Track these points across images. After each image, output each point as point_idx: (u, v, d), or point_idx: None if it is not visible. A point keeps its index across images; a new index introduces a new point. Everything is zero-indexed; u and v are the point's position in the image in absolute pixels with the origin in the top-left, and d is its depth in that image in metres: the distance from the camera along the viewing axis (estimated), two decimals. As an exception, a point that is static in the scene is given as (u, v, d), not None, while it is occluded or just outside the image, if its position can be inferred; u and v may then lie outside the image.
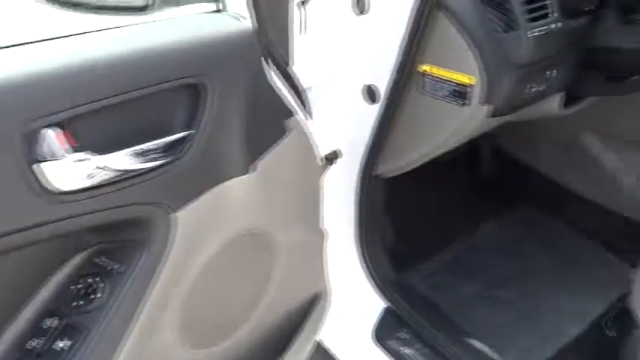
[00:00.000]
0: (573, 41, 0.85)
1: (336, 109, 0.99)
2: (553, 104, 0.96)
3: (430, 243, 1.38)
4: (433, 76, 0.83)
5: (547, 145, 1.45)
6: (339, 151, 1.04)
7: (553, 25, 0.78)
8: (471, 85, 0.79)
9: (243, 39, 0.60)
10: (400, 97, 0.88)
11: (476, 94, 0.80)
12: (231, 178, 0.60)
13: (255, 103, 0.61)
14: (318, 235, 0.89)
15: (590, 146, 1.35)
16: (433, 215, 1.45)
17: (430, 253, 1.35)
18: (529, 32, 0.76)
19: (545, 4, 0.78)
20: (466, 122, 0.84)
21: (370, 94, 0.92)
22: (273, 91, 0.66)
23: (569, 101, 0.98)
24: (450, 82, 0.81)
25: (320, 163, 0.85)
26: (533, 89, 0.83)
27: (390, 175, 1.06)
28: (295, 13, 0.84)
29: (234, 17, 0.62)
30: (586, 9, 0.83)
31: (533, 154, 1.49)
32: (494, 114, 0.82)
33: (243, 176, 0.61)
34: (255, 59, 0.61)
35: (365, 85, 0.91)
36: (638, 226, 1.28)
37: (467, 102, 0.81)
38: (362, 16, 0.83)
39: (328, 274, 0.95)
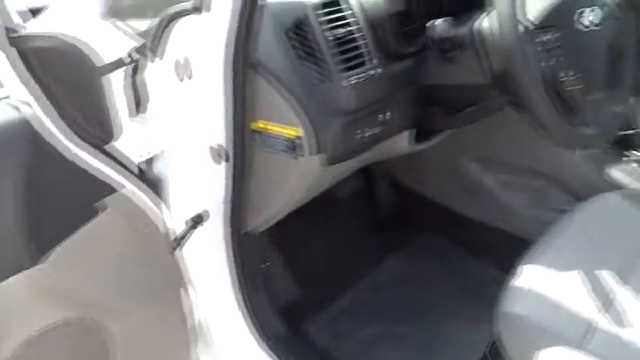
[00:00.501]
0: (403, 82, 0.88)
1: (192, 171, 0.97)
2: (402, 142, 0.98)
3: (330, 288, 1.36)
4: (268, 132, 0.83)
5: (435, 173, 1.48)
6: (206, 212, 1.01)
7: (372, 72, 0.81)
8: (299, 137, 0.80)
9: (18, 129, 0.57)
10: (245, 155, 0.87)
11: (306, 146, 0.80)
12: (9, 276, 0.56)
13: (39, 193, 0.58)
14: (175, 311, 0.85)
15: (473, 171, 1.39)
16: (332, 258, 1.44)
17: (330, 299, 1.33)
18: (344, 82, 0.78)
19: (361, 53, 0.80)
20: (306, 174, 0.85)
21: (217, 154, 0.91)
22: (77, 175, 0.64)
23: (422, 136, 1.00)
24: (282, 136, 0.82)
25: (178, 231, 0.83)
26: (367, 134, 0.85)
27: (263, 229, 1.05)
28: (117, 90, 0.83)
29: (13, 106, 0.60)
30: (408, 52, 0.86)
31: (424, 182, 1.52)
32: (330, 162, 0.82)
33: (30, 270, 0.57)
34: (33, 149, 0.59)
35: (211, 146, 0.90)
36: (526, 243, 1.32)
37: (300, 154, 0.81)
38: (187, 81, 0.82)
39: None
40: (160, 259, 0.92)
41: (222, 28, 0.71)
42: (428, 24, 0.76)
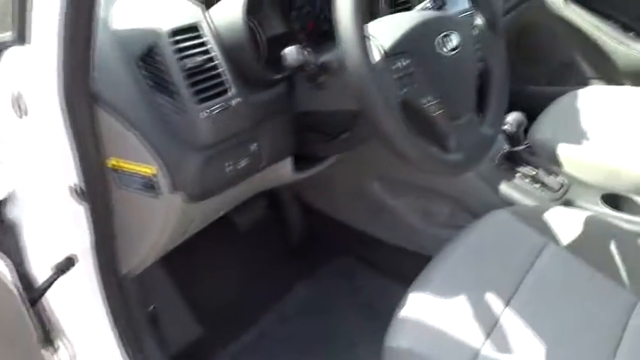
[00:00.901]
0: (274, 110, 0.83)
1: (53, 213, 0.88)
2: (285, 170, 0.93)
3: (234, 324, 1.28)
4: (123, 170, 0.76)
5: (341, 193, 1.45)
6: (74, 256, 0.92)
7: (232, 102, 0.75)
8: (154, 175, 0.73)
9: None
10: (104, 194, 0.79)
11: (163, 184, 0.73)
12: None
13: None
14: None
15: (376, 191, 1.37)
16: (236, 291, 1.37)
17: (234, 336, 1.26)
18: (201, 114, 0.72)
19: (219, 82, 0.75)
20: (170, 212, 0.78)
21: (77, 193, 0.82)
22: None
23: (304, 164, 0.96)
24: (137, 174, 0.75)
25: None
26: (238, 166, 0.79)
27: (140, 271, 0.96)
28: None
29: None
30: (277, 78, 0.82)
31: (332, 203, 1.49)
32: (193, 200, 0.76)
33: None
34: None
35: (69, 186, 0.81)
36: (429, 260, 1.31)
37: (159, 192, 0.74)
38: (25, 118, 0.73)
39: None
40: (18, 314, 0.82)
41: (50, 59, 0.63)
42: (282, 52, 0.72)
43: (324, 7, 1.05)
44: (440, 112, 0.74)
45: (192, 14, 0.77)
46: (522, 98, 1.93)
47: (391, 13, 1.05)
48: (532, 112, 1.46)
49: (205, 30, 0.76)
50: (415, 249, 1.33)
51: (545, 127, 1.34)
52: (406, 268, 1.40)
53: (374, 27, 0.73)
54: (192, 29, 0.76)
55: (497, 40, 0.87)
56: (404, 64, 0.70)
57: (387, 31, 0.71)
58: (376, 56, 0.68)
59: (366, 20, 0.66)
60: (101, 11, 0.77)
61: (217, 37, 0.76)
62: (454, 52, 0.76)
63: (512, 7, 1.59)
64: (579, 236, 0.98)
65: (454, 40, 0.76)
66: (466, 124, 0.78)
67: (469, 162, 0.77)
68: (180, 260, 1.31)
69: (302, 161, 0.96)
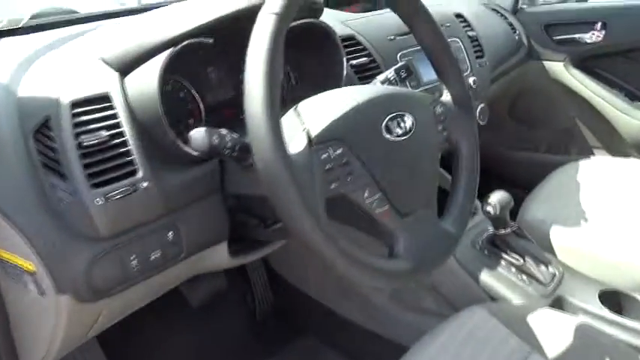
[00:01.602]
0: (200, 192, 0.71)
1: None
2: (217, 256, 0.80)
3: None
4: (6, 261, 0.64)
5: (310, 267, 1.31)
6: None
7: (142, 185, 0.63)
8: (34, 273, 0.60)
9: None
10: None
11: (46, 284, 0.61)
12: None
13: None
14: None
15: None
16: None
17: None
18: (95, 200, 0.60)
19: (127, 162, 0.63)
20: (60, 313, 0.64)
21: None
22: None
23: (242, 248, 0.83)
24: (20, 267, 0.62)
25: None
26: (148, 259, 0.66)
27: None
28: None
29: None
30: (195, 158, 0.70)
31: (301, 276, 1.35)
32: (86, 301, 0.63)
33: None
34: None
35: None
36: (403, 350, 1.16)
37: (42, 292, 0.62)
38: None
39: None
40: None
41: None
42: (189, 134, 0.60)
43: (287, 71, 0.95)
44: (384, 208, 0.61)
45: (104, 82, 0.67)
46: (517, 166, 1.82)
47: (360, 82, 0.96)
48: (528, 183, 1.33)
49: (116, 100, 0.65)
50: (384, 334, 1.18)
51: (537, 206, 1.20)
52: (373, 353, 1.25)
53: (306, 107, 0.62)
54: (101, 100, 0.65)
55: (467, 118, 0.75)
56: (336, 153, 0.57)
57: (318, 113, 0.60)
58: (299, 145, 0.56)
59: (280, 108, 0.54)
60: (7, 75, 0.68)
61: (129, 108, 0.66)
62: (405, 136, 0.64)
63: (507, 70, 1.48)
64: (568, 349, 0.82)
65: (407, 122, 0.64)
66: (419, 222, 0.65)
67: (419, 269, 0.63)
68: (122, 342, 1.17)
69: (242, 244, 0.83)
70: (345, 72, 0.89)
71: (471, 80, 1.13)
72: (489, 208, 1.04)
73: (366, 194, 0.60)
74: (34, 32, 0.87)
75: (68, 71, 0.69)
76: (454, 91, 0.75)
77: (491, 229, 1.10)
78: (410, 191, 0.65)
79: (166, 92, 0.80)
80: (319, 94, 0.65)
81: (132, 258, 0.65)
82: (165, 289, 0.84)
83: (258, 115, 0.51)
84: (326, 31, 0.87)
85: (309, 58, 0.91)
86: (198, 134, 0.58)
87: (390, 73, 0.83)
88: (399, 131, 0.63)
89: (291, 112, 0.63)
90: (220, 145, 0.59)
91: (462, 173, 0.75)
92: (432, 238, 0.67)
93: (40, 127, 0.62)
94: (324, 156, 0.56)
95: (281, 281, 1.39)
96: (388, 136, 0.62)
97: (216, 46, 0.73)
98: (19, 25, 0.88)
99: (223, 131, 0.60)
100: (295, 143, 0.56)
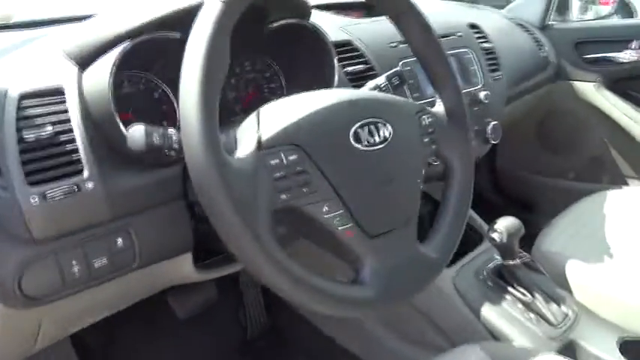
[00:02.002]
0: (158, 197, 0.66)
1: None
2: (181, 268, 0.74)
3: None
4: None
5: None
6: None
7: (86, 186, 0.58)
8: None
9: None
10: None
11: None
12: None
13: None
14: None
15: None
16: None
17: None
18: (31, 198, 0.55)
19: (73, 160, 0.58)
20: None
21: None
22: None
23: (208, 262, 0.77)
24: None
25: None
26: (92, 266, 0.61)
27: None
28: None
29: None
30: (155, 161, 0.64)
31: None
32: (17, 307, 0.58)
33: None
34: None
35: None
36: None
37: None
38: None
39: None
40: None
41: None
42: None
43: (273, 76, 0.90)
44: (347, 226, 0.54)
45: (60, 76, 0.63)
46: (541, 192, 1.69)
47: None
48: (550, 211, 1.22)
49: (70, 95, 0.61)
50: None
51: (555, 237, 1.08)
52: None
53: (266, 110, 0.55)
54: (53, 93, 0.61)
55: (460, 132, 0.67)
56: (289, 159, 0.50)
57: (276, 115, 0.53)
58: (244, 150, 0.49)
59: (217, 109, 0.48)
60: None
61: (83, 104, 0.61)
62: (379, 146, 0.56)
63: (531, 88, 1.38)
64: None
65: (381, 130, 0.57)
66: (392, 245, 0.57)
67: (386, 299, 0.55)
68: (103, 352, 1.13)
69: (209, 257, 0.76)
70: (336, 77, 0.82)
71: (482, 95, 1.04)
72: (495, 235, 0.94)
73: (325, 209, 0.52)
74: (21, 29, 0.85)
75: (27, 64, 0.65)
76: (447, 103, 0.67)
77: (498, 259, 1.00)
78: (382, 208, 0.57)
79: (139, 92, 0.75)
80: (286, 98, 0.58)
81: (73, 264, 0.60)
82: (128, 302, 0.79)
83: (190, 114, 0.44)
84: (316, 34, 0.81)
85: (299, 60, 0.85)
86: (136, 132, 0.52)
87: (380, 80, 0.76)
88: (371, 140, 0.56)
89: (252, 116, 0.57)
90: (164, 146, 0.53)
91: (451, 192, 0.67)
92: (407, 264, 0.58)
93: None
94: (274, 162, 0.50)
95: (276, 300, 1.31)
96: (357, 145, 0.55)
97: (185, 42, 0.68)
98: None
99: (170, 131, 0.55)
100: (242, 148, 0.49)
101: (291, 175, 0.50)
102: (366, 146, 0.55)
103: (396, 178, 0.58)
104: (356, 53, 0.93)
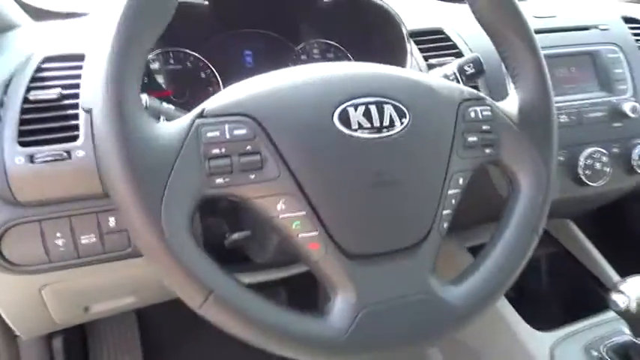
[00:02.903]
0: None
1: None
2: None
3: None
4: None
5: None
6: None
7: (77, 154, 0.54)
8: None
9: None
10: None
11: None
12: None
13: None
14: None
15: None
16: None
17: None
18: (16, 157, 0.52)
19: (70, 125, 0.54)
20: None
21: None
22: None
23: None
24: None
25: None
26: (79, 241, 0.56)
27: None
28: None
29: None
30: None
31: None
32: (5, 270, 0.56)
33: None
34: None
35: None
36: None
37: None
38: None
39: None
40: None
41: None
42: None
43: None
44: (311, 234, 0.39)
45: (85, 42, 0.61)
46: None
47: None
48: None
49: None
50: None
51: None
52: None
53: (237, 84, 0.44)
54: (74, 58, 0.59)
55: (534, 139, 0.48)
56: (235, 133, 0.38)
57: (236, 86, 0.41)
58: (177, 122, 0.39)
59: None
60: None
61: None
62: (383, 133, 0.41)
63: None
64: None
65: (390, 114, 0.41)
66: (382, 272, 0.41)
67: (360, 347, 0.39)
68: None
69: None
70: (408, 64, 0.67)
71: (628, 107, 0.76)
72: (620, 300, 0.67)
73: (280, 206, 0.39)
74: None
75: (63, 32, 0.66)
76: (523, 93, 0.48)
77: (627, 334, 0.71)
78: (373, 219, 0.41)
79: (187, 70, 0.71)
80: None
81: (57, 235, 0.56)
82: (154, 295, 0.74)
83: (99, 76, 0.36)
84: (384, 12, 0.68)
85: (368, 40, 0.73)
86: None
87: (449, 68, 0.59)
88: (368, 124, 0.41)
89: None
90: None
91: (507, 220, 0.47)
92: (405, 304, 0.41)
93: (10, 77, 0.59)
94: (212, 134, 0.38)
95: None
96: (343, 128, 0.40)
97: (215, 10, 0.61)
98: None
99: (164, 106, 0.47)
100: (178, 118, 0.39)
101: (235, 155, 0.38)
102: (359, 131, 0.40)
103: (404, 180, 0.42)
104: (447, 43, 0.76)
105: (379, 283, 0.41)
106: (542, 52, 0.79)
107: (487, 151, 0.47)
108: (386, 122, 0.41)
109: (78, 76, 0.58)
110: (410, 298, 0.41)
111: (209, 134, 0.38)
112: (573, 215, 0.92)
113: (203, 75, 0.72)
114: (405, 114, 0.42)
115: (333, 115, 0.40)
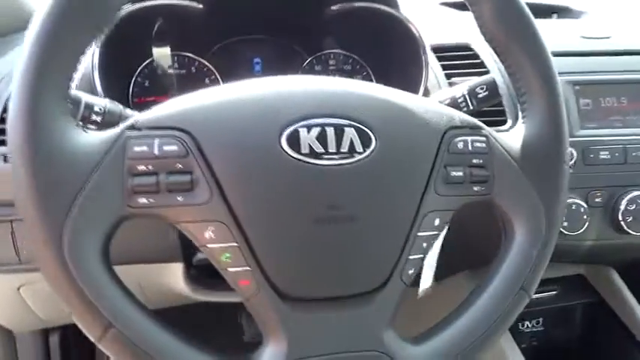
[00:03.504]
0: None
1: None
2: (177, 282, 0.63)
3: None
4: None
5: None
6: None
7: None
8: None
9: None
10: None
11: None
12: None
13: None
14: None
15: None
16: None
17: None
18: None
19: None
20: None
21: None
22: None
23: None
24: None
25: None
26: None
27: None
28: None
29: None
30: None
31: None
32: None
33: None
34: None
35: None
36: None
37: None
38: None
39: None
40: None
41: None
42: None
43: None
44: (241, 269, 0.34)
45: None
46: None
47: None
48: None
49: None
50: None
51: None
52: None
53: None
54: None
55: (538, 177, 0.40)
56: (163, 149, 0.34)
57: (178, 100, 0.38)
58: (106, 132, 0.35)
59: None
60: None
61: None
62: (340, 161, 0.35)
63: None
64: None
65: (351, 138, 0.36)
66: (323, 321, 0.35)
67: None
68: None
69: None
70: (423, 81, 0.61)
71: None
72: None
73: (208, 234, 0.34)
74: None
75: None
76: (533, 126, 0.41)
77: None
78: (317, 258, 0.35)
79: (191, 75, 0.69)
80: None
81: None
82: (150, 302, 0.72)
83: (17, 77, 0.33)
84: (399, 22, 0.62)
85: (386, 53, 0.68)
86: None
87: (458, 90, 0.52)
88: (321, 150, 0.35)
89: None
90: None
91: (494, 274, 0.40)
92: None
93: None
94: (140, 148, 0.34)
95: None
96: (291, 151, 0.35)
97: (209, 15, 0.58)
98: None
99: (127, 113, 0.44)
100: (106, 131, 0.35)
101: (163, 173, 0.34)
102: (310, 157, 0.35)
103: (360, 217, 0.36)
104: (474, 61, 0.68)
105: (318, 334, 0.35)
106: (588, 77, 0.70)
107: (475, 188, 0.39)
108: (344, 148, 0.35)
109: None
110: (355, 354, 0.35)
111: (136, 148, 0.34)
112: (615, 263, 0.80)
113: (207, 81, 0.69)
114: (370, 140, 0.36)
115: (281, 136, 0.35)
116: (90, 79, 0.54)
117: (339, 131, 0.36)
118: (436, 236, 0.38)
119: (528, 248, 0.39)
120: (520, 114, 0.43)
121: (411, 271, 0.37)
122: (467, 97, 0.51)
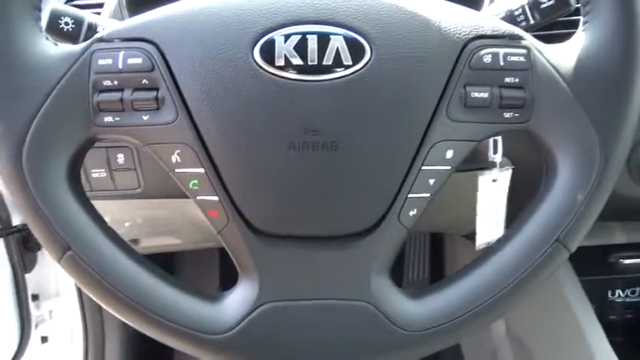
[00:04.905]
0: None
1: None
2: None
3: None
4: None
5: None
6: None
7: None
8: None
9: None
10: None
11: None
12: None
13: None
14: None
15: None
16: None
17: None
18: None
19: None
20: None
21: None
22: None
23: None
24: None
25: None
26: (94, 175, 0.57)
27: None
28: None
29: None
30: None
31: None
32: None
33: None
34: None
35: None
36: None
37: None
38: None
39: None
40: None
41: None
42: None
43: None
44: (209, 198, 0.31)
45: None
46: None
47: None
48: None
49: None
50: None
51: None
52: None
53: None
54: None
55: (590, 106, 0.31)
56: (127, 63, 0.31)
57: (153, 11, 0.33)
58: (69, 46, 0.32)
59: None
60: None
61: None
62: (324, 76, 0.30)
63: None
64: None
65: (338, 48, 0.30)
66: (303, 261, 0.31)
67: (244, 354, 0.30)
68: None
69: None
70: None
71: None
72: None
73: (175, 157, 0.31)
74: None
75: None
76: (595, 37, 0.32)
77: None
78: (296, 192, 0.31)
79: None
80: None
81: None
82: (185, 240, 0.73)
83: None
84: None
85: None
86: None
87: (518, 2, 0.41)
88: (300, 62, 0.30)
89: None
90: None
91: (527, 218, 0.32)
92: (327, 312, 0.31)
93: None
94: (104, 62, 0.31)
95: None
96: (264, 63, 0.30)
97: None
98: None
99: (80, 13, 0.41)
100: (77, 44, 0.33)
101: (128, 89, 0.31)
102: (286, 70, 0.30)
103: (345, 143, 0.30)
104: None
105: (293, 276, 0.31)
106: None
107: (507, 115, 0.31)
108: (327, 60, 0.29)
109: None
110: (335, 302, 0.31)
111: (100, 61, 0.31)
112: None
113: None
114: (363, 52, 0.30)
115: (254, 46, 0.30)
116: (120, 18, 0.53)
117: (324, 40, 0.30)
118: (448, 172, 0.31)
119: (572, 191, 0.31)
120: (581, 19, 0.33)
121: (412, 212, 0.31)
122: (526, 8, 0.41)
